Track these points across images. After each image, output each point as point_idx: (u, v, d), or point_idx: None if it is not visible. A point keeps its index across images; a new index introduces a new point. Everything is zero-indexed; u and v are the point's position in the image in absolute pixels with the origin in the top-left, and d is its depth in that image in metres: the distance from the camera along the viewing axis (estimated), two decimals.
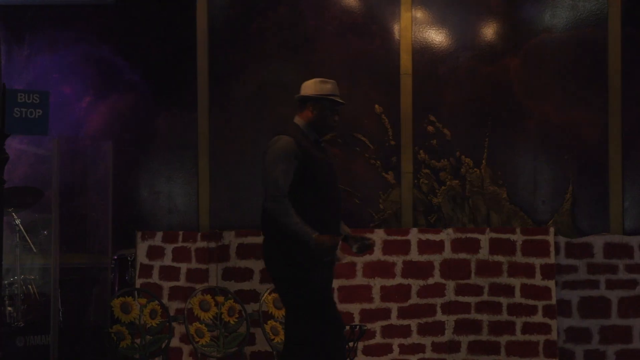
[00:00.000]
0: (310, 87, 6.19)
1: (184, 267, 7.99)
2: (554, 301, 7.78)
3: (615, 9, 8.04)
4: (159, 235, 8.04)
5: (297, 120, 6.19)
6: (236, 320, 7.48)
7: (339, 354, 6.01)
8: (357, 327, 7.49)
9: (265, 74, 8.28)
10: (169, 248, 8.01)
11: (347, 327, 7.48)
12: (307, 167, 6.04)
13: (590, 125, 8.06)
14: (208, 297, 7.47)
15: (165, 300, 7.81)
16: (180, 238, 8.02)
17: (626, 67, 8.03)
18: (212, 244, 7.97)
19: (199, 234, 8.02)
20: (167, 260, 8.00)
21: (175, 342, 7.81)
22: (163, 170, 8.37)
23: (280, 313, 7.52)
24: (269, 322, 7.50)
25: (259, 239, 7.92)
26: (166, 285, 7.98)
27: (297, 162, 6.01)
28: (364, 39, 8.23)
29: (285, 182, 5.98)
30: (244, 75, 8.30)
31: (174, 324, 7.41)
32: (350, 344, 7.46)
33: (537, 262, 7.84)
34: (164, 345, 7.21)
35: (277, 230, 5.99)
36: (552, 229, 7.87)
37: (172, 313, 7.57)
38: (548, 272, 7.81)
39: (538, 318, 7.78)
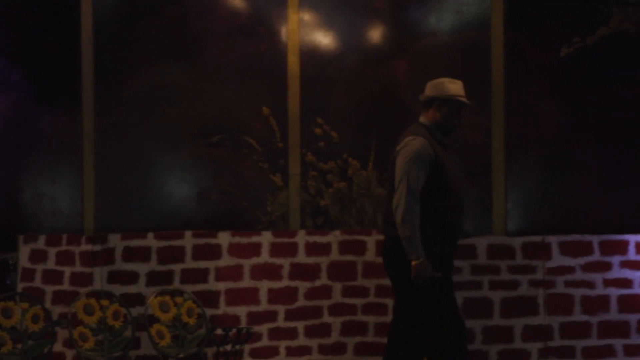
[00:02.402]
0: (438, 87, 6.22)
1: (67, 270, 7.87)
2: None
3: (498, 14, 8.17)
4: (42, 238, 7.91)
5: (423, 120, 6.21)
6: (121, 324, 7.40)
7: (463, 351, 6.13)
8: (244, 329, 7.48)
9: (152, 75, 8.21)
10: (53, 251, 7.88)
11: (234, 330, 7.48)
12: (438, 171, 6.09)
13: (474, 127, 8.17)
14: (92, 300, 7.37)
15: (48, 305, 7.68)
16: (64, 241, 7.90)
17: (508, 70, 8.17)
18: (97, 247, 7.86)
19: (84, 237, 7.91)
20: (51, 264, 7.88)
21: (58, 347, 7.70)
22: (47, 172, 8.23)
23: (166, 316, 7.46)
24: (154, 325, 7.43)
25: (144, 242, 7.88)
26: (49, 289, 7.85)
27: (430, 166, 6.04)
28: (252, 40, 8.22)
29: (419, 186, 6.02)
30: (130, 77, 8.21)
31: (57, 328, 7.29)
32: (237, 346, 7.45)
33: None
34: (46, 350, 7.09)
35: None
36: None
37: (55, 317, 7.46)
38: None
39: None
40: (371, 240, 7.97)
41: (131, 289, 7.84)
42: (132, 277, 7.86)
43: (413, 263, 6.10)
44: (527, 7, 8.23)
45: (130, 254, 7.87)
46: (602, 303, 7.82)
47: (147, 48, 8.18)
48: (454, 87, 6.32)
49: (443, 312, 6.19)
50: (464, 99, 6.31)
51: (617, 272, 7.82)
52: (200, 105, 8.18)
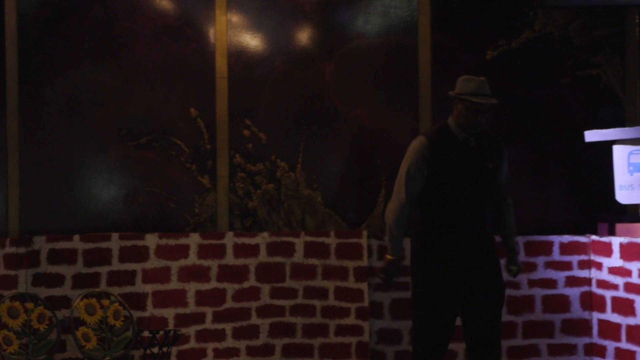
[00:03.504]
0: (457, 85, 6.35)
1: None
2: (366, 303, 7.89)
3: (425, 17, 8.23)
4: None
5: (449, 118, 6.34)
6: (46, 327, 7.32)
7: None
8: (171, 332, 7.45)
9: (78, 76, 8.12)
10: None
11: (161, 332, 7.44)
12: (437, 168, 6.20)
13: (402, 130, 8.22)
14: (17, 304, 7.28)
15: None
16: None
17: (435, 73, 8.24)
18: (22, 249, 7.76)
19: (8, 239, 7.79)
20: None
21: None
22: None
23: (92, 319, 7.40)
24: (80, 328, 7.36)
25: (70, 244, 7.80)
26: None
27: (426, 163, 6.18)
28: (179, 42, 8.18)
29: (411, 188, 6.24)
30: (56, 77, 8.11)
31: None
32: (164, 349, 7.41)
33: (351, 264, 7.95)
34: None
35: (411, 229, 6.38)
36: (365, 232, 7.99)
37: None
38: (361, 274, 7.92)
39: (351, 320, 7.89)
40: (299, 242, 7.98)
41: (57, 291, 7.76)
42: (57, 280, 7.77)
43: (386, 257, 6.32)
44: (453, 10, 8.31)
45: (56, 257, 7.78)
46: (527, 303, 7.92)
47: (73, 48, 8.10)
48: (468, 85, 6.32)
49: (422, 318, 6.29)
50: (475, 98, 6.26)
51: (541, 273, 7.92)
52: (128, 106, 8.12)
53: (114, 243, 7.83)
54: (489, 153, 6.36)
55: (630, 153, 7.11)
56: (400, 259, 6.38)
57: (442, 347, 6.33)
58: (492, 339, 6.34)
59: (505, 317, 7.89)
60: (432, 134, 6.32)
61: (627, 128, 7.25)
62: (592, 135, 7.33)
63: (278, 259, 7.98)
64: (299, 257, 7.98)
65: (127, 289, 7.78)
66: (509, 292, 7.89)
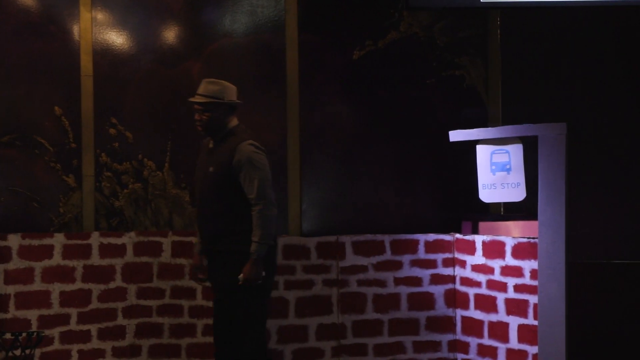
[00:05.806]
0: None
1: None
2: None
3: (292, 16, 8.26)
4: None
5: None
6: None
7: None
8: (35, 333, 7.32)
9: None
10: None
11: (24, 334, 7.30)
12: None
13: (270, 129, 8.24)
14: None
15: None
16: None
17: (303, 72, 8.27)
18: None
19: None
20: None
21: None
22: None
23: None
24: None
25: None
26: None
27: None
28: (42, 39, 8.03)
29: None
30: None
31: None
32: (27, 351, 7.28)
33: None
34: None
35: None
36: None
37: None
38: None
39: None
40: (167, 242, 7.92)
41: None
42: None
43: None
44: (321, 10, 8.36)
45: None
46: (393, 301, 8.01)
47: None
48: None
49: None
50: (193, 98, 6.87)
51: (407, 271, 8.02)
52: None
53: None
54: (217, 157, 6.65)
55: (493, 153, 7.25)
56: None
57: None
58: (220, 345, 6.63)
59: (372, 315, 7.98)
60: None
61: (489, 128, 7.39)
62: (456, 135, 7.44)
63: (145, 259, 7.91)
64: (166, 256, 7.93)
65: None
66: (376, 290, 7.98)
